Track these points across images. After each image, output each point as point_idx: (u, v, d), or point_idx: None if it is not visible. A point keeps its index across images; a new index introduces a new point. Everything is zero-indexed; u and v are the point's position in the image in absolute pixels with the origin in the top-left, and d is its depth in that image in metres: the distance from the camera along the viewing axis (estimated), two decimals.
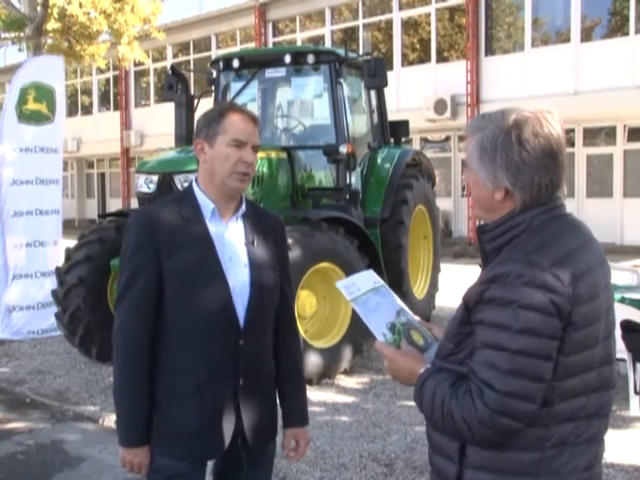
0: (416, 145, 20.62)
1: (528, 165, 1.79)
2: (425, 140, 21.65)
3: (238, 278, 2.39)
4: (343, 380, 6.79)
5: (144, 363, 2.34)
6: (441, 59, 20.85)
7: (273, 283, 2.49)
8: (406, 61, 21.57)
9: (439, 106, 19.44)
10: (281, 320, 2.58)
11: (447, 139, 21.40)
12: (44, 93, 9.10)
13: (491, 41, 19.93)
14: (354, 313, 2.10)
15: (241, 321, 2.38)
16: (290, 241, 6.08)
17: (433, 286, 9.09)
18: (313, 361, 6.44)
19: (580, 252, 1.79)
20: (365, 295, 2.06)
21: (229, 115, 2.40)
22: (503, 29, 20.15)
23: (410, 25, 21.81)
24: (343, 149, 7.21)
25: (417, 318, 2.11)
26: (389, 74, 7.96)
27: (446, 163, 21.11)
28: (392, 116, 9.16)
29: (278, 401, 2.61)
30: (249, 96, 8.17)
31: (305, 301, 6.56)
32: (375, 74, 7.28)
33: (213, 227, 2.41)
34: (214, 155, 2.39)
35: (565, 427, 1.76)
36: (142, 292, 2.34)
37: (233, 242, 2.44)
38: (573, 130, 18.24)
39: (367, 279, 2.15)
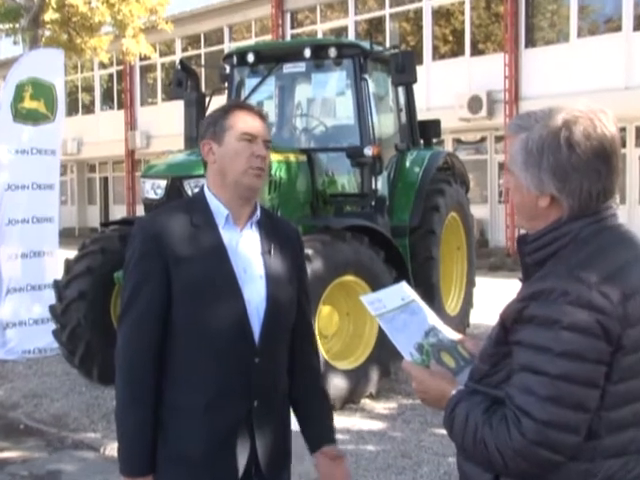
0: (448, 147, 20.59)
1: (578, 170, 1.76)
2: (458, 141, 21.63)
3: (253, 291, 2.40)
4: (369, 405, 6.78)
5: (150, 384, 2.35)
6: (476, 52, 20.83)
7: (290, 297, 2.50)
8: (437, 54, 21.58)
9: (474, 104, 19.42)
10: (299, 336, 2.59)
11: (482, 140, 21.36)
12: (42, 90, 9.17)
13: (532, 31, 19.89)
14: (381, 331, 2.13)
15: (256, 338, 2.39)
16: (310, 252, 6.10)
17: (467, 302, 9.06)
18: (336, 384, 6.43)
19: (632, 267, 1.76)
20: (391, 312, 2.07)
21: (235, 111, 2.45)
22: (545, 18, 20.10)
23: (442, 15, 21.83)
24: (368, 151, 7.23)
25: (454, 336, 2.12)
26: (418, 69, 7.98)
27: (481, 166, 21.06)
28: (422, 115, 9.16)
29: (297, 425, 2.61)
30: (265, 93, 8.22)
31: (327, 318, 6.56)
32: (403, 69, 7.29)
33: (227, 235, 2.43)
34: (224, 153, 2.42)
35: (613, 462, 1.73)
36: (147, 306, 2.36)
37: (248, 252, 2.45)
38: (624, 129, 18.12)
39: (396, 294, 2.16)
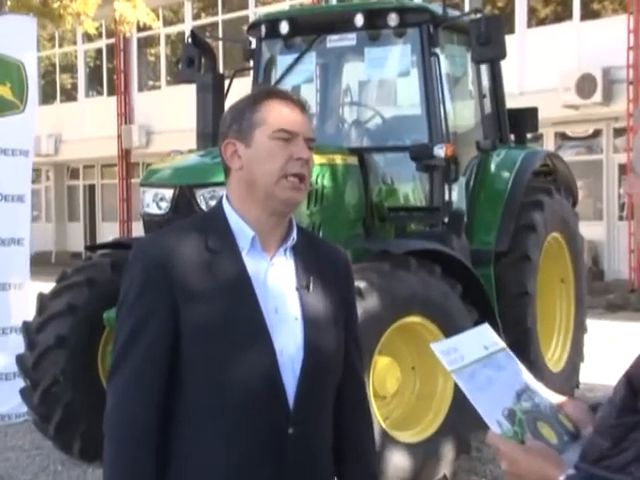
0: (549, 144, 20.49)
1: None
2: (563, 136, 21.50)
3: (287, 338, 2.43)
4: None
5: (150, 460, 2.37)
6: (589, 14, 20.70)
7: (336, 346, 2.52)
8: (534, 19, 21.52)
9: (585, 85, 19.29)
10: (347, 400, 2.62)
11: (596, 134, 21.20)
12: (7, 70, 9.20)
13: None
14: (458, 391, 2.08)
15: (290, 400, 2.41)
16: (362, 285, 6.11)
17: (576, 353, 8.99)
18: (396, 462, 6.41)
19: None
20: (471, 366, 2.04)
21: (267, 100, 2.49)
22: None
23: None
24: (440, 151, 7.21)
25: (553, 398, 2.09)
26: (509, 40, 7.97)
27: (595, 170, 20.89)
28: (513, 102, 9.16)
29: None
30: (304, 75, 8.27)
31: (384, 373, 6.55)
32: (487, 41, 7.28)
33: (253, 264, 2.46)
34: (253, 156, 2.46)
35: None
36: (148, 355, 2.38)
37: (280, 286, 2.48)
38: None
39: (477, 341, 2.14)
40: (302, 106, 2.53)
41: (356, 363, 2.67)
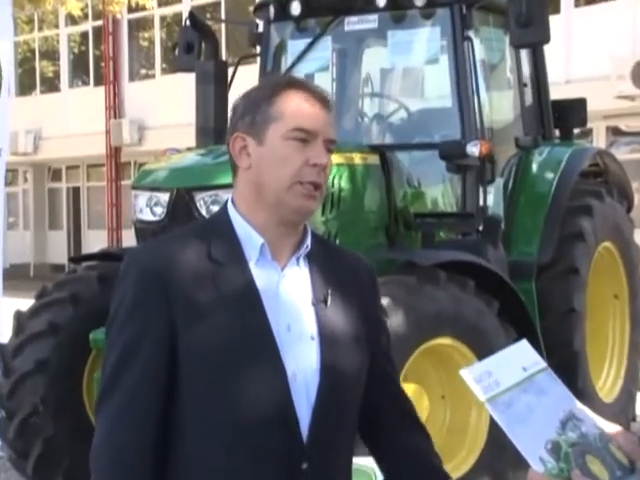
0: (600, 140, 20.44)
1: None
2: (616, 131, 21.46)
3: (301, 359, 2.43)
4: None
5: None
6: None
7: (358, 368, 2.53)
8: None
9: None
10: (396, 417, 2.66)
11: None
12: None
13: None
14: (494, 421, 2.02)
15: (304, 431, 2.40)
16: (385, 301, 6.10)
17: (632, 381, 8.97)
18: None
19: None
20: (508, 393, 2.01)
21: (286, 93, 2.48)
22: None
23: None
24: (473, 149, 7.21)
25: (604, 427, 2.07)
26: (553, 20, 7.95)
27: None
28: (557, 92, 9.16)
29: None
30: (318, 62, 8.27)
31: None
32: (529, 22, 7.28)
33: (262, 275, 2.46)
34: (264, 156, 2.46)
35: None
36: (143, 376, 2.39)
37: (294, 300, 2.48)
38: None
39: (513, 362, 2.11)
40: (325, 101, 2.51)
41: (395, 377, 2.72)
